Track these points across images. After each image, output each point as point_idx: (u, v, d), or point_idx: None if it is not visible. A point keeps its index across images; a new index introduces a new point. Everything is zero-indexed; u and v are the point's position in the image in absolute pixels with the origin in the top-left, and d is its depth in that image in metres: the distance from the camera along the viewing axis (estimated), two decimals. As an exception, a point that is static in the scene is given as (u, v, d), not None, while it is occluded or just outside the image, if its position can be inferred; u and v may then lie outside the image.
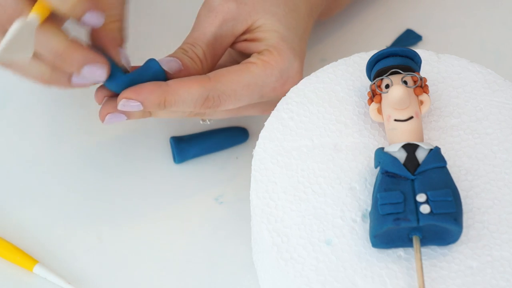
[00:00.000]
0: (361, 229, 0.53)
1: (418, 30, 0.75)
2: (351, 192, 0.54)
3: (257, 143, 0.57)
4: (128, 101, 0.58)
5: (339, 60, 0.60)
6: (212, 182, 0.67)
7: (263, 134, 0.57)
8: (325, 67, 0.60)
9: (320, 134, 0.57)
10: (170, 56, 0.62)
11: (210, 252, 0.64)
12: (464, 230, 0.52)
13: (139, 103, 0.58)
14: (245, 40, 0.63)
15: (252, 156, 0.57)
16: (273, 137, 0.57)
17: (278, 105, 0.58)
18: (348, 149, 0.56)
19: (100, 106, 0.61)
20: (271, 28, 0.62)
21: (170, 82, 0.59)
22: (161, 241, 0.65)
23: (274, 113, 0.58)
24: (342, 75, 0.59)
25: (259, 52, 0.62)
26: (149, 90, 0.58)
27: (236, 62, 0.65)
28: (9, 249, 0.63)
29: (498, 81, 0.59)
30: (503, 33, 0.75)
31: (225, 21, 0.62)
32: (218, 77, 0.60)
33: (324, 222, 0.53)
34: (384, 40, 0.74)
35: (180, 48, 0.63)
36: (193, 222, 0.66)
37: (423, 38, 0.75)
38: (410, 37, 0.75)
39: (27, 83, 0.72)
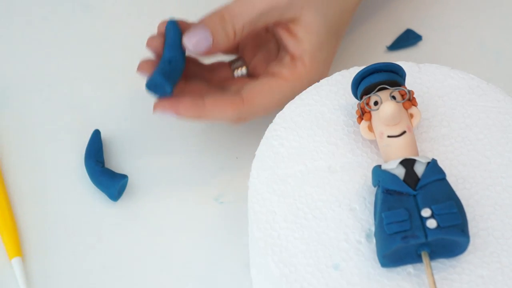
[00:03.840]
0: (367, 250, 0.52)
1: (418, 30, 0.75)
2: (352, 213, 0.54)
3: (251, 173, 0.56)
4: (164, 111, 0.62)
5: (321, 81, 0.60)
6: (212, 182, 0.67)
7: (255, 164, 0.56)
8: (308, 89, 0.59)
9: (313, 158, 0.56)
10: (206, 22, 0.62)
11: (210, 252, 0.64)
12: (470, 239, 0.52)
13: (174, 114, 0.62)
14: (285, 27, 0.64)
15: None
16: (265, 166, 0.56)
17: (266, 132, 0.57)
18: (343, 170, 0.55)
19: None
20: (313, 29, 0.63)
21: (206, 100, 0.62)
22: (161, 241, 0.64)
23: (263, 141, 0.57)
24: (326, 95, 0.59)
25: (292, 58, 0.64)
26: (185, 108, 0.62)
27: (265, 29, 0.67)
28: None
29: (482, 85, 0.59)
30: (503, 33, 0.75)
31: (278, 4, 0.62)
32: (251, 99, 0.63)
33: (329, 247, 0.52)
34: (384, 40, 0.74)
35: (220, 15, 0.63)
36: (193, 222, 0.65)
37: (423, 38, 0.74)
38: (410, 37, 0.74)
39: (27, 83, 0.72)
